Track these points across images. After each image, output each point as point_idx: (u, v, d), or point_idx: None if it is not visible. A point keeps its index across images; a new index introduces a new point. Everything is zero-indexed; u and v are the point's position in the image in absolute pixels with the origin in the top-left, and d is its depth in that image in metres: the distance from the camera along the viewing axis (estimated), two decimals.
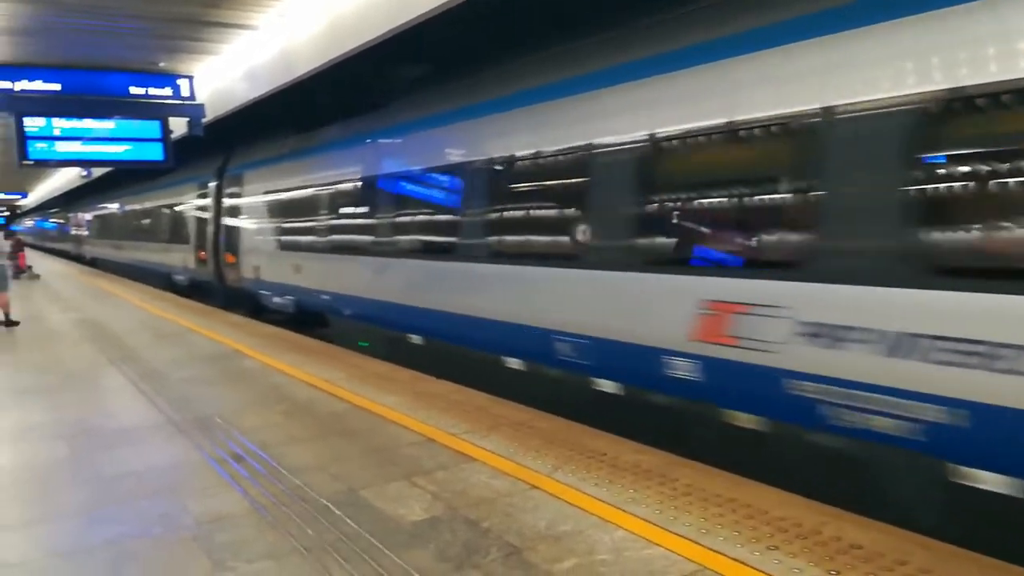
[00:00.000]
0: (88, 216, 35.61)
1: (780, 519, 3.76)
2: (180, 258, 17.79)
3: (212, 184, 15.51)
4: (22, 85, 10.68)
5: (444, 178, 7.99)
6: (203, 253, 15.84)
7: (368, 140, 9.77)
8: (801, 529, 3.64)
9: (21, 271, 23.35)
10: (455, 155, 7.67)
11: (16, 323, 12.19)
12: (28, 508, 4.33)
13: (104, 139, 11.61)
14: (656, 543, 3.56)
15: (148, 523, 3.99)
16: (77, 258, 37.73)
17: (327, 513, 4.07)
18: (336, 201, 10.29)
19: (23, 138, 10.84)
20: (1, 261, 11.95)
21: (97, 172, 23.05)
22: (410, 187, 8.65)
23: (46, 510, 4.28)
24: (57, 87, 10.95)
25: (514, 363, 6.97)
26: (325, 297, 10.39)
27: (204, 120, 12.75)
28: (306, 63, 9.53)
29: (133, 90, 11.84)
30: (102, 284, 21.12)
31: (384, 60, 9.51)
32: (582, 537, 3.66)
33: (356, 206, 9.85)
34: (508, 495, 4.23)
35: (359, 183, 9.71)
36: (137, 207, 23.90)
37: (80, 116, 11.45)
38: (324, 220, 10.52)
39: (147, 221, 22.22)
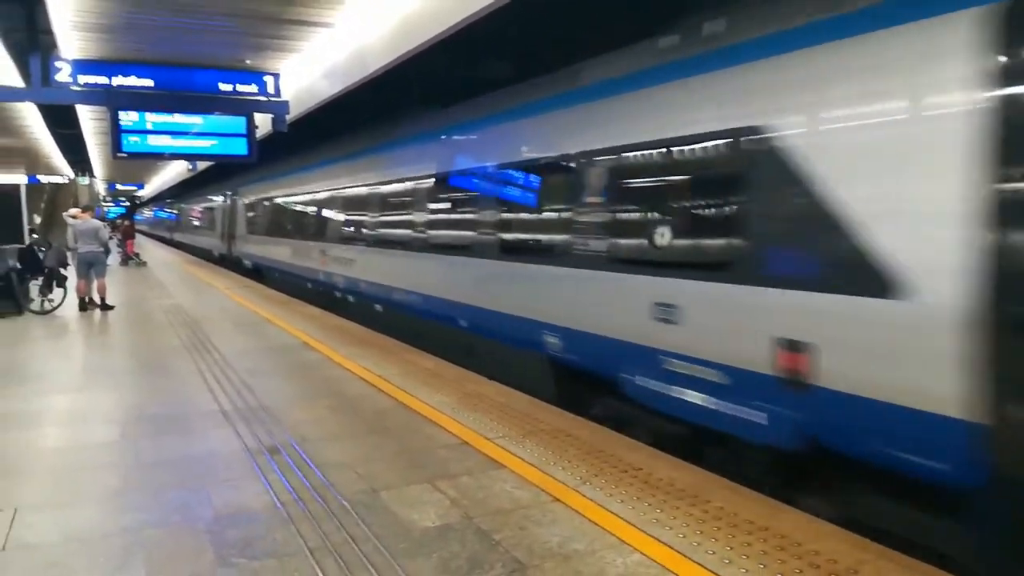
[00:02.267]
0: (251, 199, 21.25)
1: (814, 553, 3.43)
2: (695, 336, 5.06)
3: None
4: (118, 80, 11.24)
5: None
6: None
7: None
8: (836, 567, 3.30)
9: (129, 258, 24.73)
10: None
11: (111, 307, 12.89)
12: (62, 490, 4.47)
13: (193, 133, 12.07)
14: (671, 570, 3.31)
15: (168, 512, 4.04)
16: (223, 261, 24.81)
17: (343, 513, 4.01)
18: None
19: (118, 131, 11.40)
20: (97, 248, 12.62)
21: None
22: None
23: (79, 493, 4.41)
24: (150, 83, 11.46)
25: None
26: None
27: (288, 117, 13.09)
28: (376, 59, 9.60)
29: (222, 86, 12.22)
30: (198, 273, 22.13)
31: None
32: (594, 559, 3.45)
33: None
34: (527, 507, 4.06)
35: None
36: (416, 178, 10.07)
37: (173, 111, 11.93)
38: None
39: (469, 207, 8.59)
